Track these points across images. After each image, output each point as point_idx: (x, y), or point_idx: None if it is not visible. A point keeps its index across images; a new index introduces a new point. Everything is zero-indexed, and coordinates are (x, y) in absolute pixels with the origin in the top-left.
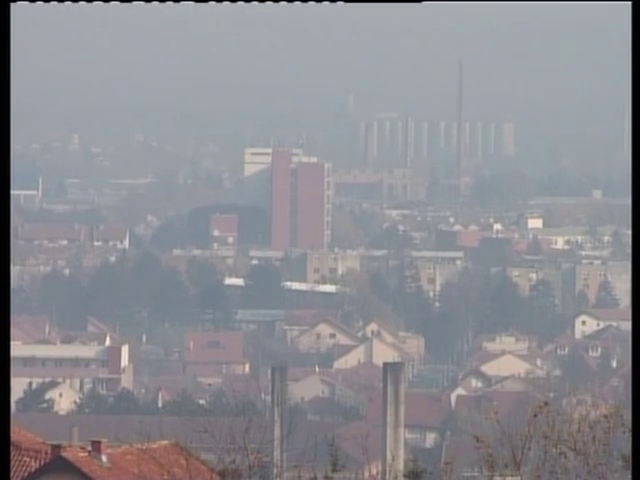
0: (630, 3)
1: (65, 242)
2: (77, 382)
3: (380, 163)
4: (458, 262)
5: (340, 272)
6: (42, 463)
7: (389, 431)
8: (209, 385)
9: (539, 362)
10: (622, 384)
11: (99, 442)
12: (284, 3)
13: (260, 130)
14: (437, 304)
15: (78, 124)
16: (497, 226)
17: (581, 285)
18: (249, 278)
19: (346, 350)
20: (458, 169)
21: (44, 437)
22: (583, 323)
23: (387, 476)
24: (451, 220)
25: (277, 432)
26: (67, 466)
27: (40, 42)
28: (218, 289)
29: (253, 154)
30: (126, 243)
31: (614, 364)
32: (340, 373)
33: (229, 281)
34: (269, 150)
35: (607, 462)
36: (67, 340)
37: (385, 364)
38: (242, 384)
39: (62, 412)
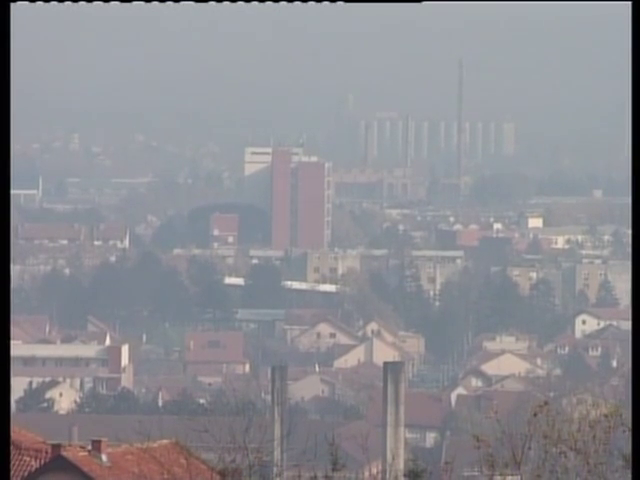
0: (630, 3)
1: (65, 242)
2: (77, 381)
3: (380, 163)
4: (458, 261)
5: (340, 271)
6: (42, 462)
7: (389, 430)
8: (209, 385)
9: (539, 361)
10: (622, 383)
11: (99, 441)
12: (284, 3)
13: (260, 130)
14: (437, 303)
15: (78, 124)
16: (497, 225)
17: (581, 284)
18: (249, 277)
19: (346, 349)
20: (458, 169)
21: (44, 436)
22: (583, 322)
23: (387, 476)
24: (451, 219)
25: (277, 431)
26: (67, 465)
27: (40, 42)
28: (218, 288)
29: (253, 153)
30: (126, 243)
31: (614, 363)
32: (340, 372)
33: (229, 280)
34: (269, 149)
35: (607, 461)
36: (67, 339)
37: (385, 363)
38: (242, 383)
39: (62, 411)
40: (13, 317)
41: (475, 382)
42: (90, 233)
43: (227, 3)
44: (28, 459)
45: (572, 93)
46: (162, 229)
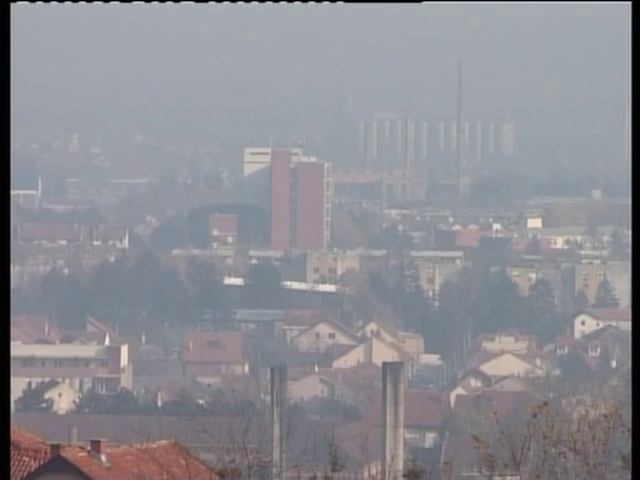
0: (630, 3)
1: (64, 242)
2: (76, 382)
3: (379, 163)
4: (457, 262)
5: (339, 272)
6: (41, 463)
7: (388, 431)
8: (208, 385)
9: (538, 362)
10: (622, 384)
11: (98, 442)
12: (284, 3)
13: (260, 130)
14: (436, 304)
15: (78, 124)
16: (496, 226)
17: (580, 285)
18: (248, 278)
19: (345, 350)
20: (457, 169)
21: (43, 437)
22: (582, 323)
23: (386, 476)
24: (450, 220)
25: (276, 432)
26: (66, 466)
27: (40, 42)
28: (217, 289)
29: (253, 154)
30: (126, 243)
31: (614, 364)
32: (339, 373)
33: (228, 281)
34: (269, 150)
35: (606, 462)
36: (66, 340)
37: (384, 364)
38: (241, 384)
39: (61, 412)
40: (12, 317)
41: (474, 382)
42: (89, 233)
43: (227, 3)
44: (27, 459)
45: (571, 93)
46: (161, 229)
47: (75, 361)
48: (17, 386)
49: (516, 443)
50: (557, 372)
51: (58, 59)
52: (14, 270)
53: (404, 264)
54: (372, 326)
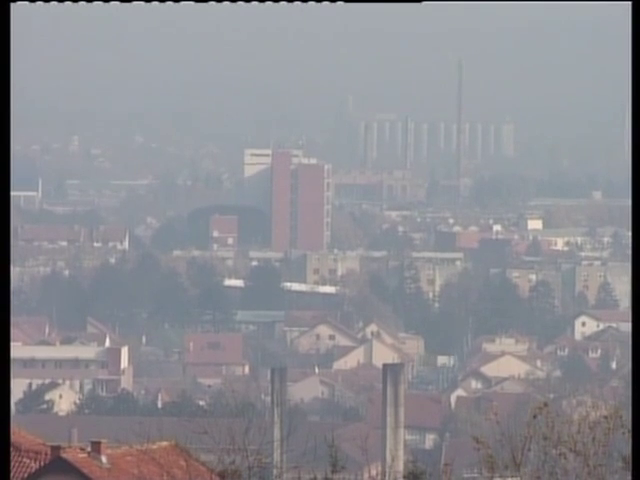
0: (630, 3)
1: (65, 243)
2: (77, 383)
3: (380, 164)
4: (458, 263)
5: (340, 273)
6: (42, 464)
7: (389, 432)
8: (209, 386)
9: (539, 363)
10: (622, 385)
11: (99, 443)
12: (284, 3)
13: (260, 131)
14: (437, 305)
15: (78, 125)
16: (497, 227)
17: (581, 286)
18: (249, 279)
19: (346, 351)
20: (458, 170)
21: (44, 438)
22: (583, 324)
23: (387, 477)
24: (451, 221)
25: (277, 433)
26: (67, 467)
27: (40, 42)
28: (218, 290)
29: (253, 155)
30: (126, 244)
31: (614, 365)
32: (340, 374)
33: (229, 282)
34: (269, 151)
35: (607, 463)
36: (67, 341)
37: (385, 365)
38: (242, 385)
39: (62, 413)
40: (13, 318)
41: (475, 384)
42: (90, 235)
43: (227, 3)
44: (28, 461)
45: (571, 94)
46: (162, 231)
47: (75, 362)
48: (17, 387)
49: (516, 444)
50: (557, 373)
51: (58, 59)
52: (14, 271)
53: (404, 265)
54: (372, 327)
